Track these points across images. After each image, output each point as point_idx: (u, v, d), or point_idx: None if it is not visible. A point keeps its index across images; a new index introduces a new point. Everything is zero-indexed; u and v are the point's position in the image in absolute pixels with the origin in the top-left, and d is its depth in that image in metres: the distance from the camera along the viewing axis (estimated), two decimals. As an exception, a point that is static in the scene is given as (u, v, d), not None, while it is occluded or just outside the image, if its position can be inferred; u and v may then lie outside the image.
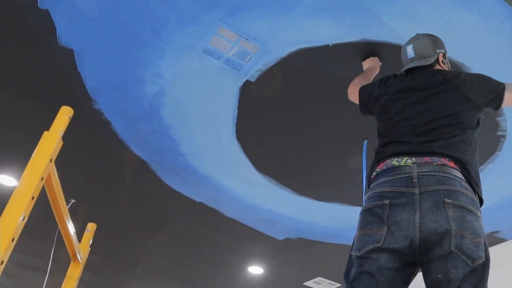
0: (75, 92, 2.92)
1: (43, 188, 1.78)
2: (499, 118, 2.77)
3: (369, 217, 1.69)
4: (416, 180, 1.66)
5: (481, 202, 1.73)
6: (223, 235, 4.37)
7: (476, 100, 1.87)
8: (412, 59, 2.05)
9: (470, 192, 1.67)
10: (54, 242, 3.63)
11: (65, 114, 1.90)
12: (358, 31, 2.41)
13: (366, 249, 1.63)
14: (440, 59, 2.05)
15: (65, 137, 1.88)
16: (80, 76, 2.81)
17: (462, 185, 1.66)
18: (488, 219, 2.75)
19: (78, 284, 2.67)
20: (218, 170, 3.51)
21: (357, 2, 2.26)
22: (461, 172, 1.70)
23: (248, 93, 2.85)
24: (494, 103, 1.92)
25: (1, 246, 1.53)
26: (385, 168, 1.77)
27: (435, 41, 2.08)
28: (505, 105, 1.93)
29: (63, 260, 3.29)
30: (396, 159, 1.76)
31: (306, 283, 5.13)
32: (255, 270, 5.03)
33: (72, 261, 2.65)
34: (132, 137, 3.28)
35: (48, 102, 3.02)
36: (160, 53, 2.63)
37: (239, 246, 4.55)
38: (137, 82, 2.83)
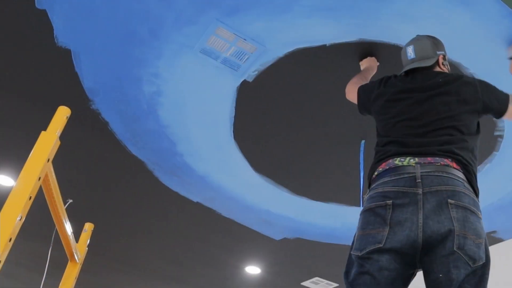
0: (72, 92, 2.92)
1: (40, 188, 1.78)
2: (496, 118, 2.77)
3: (371, 217, 1.68)
4: (420, 180, 1.65)
5: None
6: (221, 235, 4.36)
7: (476, 104, 1.87)
8: (413, 60, 2.05)
9: (472, 193, 1.67)
10: (52, 242, 3.63)
11: (62, 114, 1.89)
12: (355, 31, 2.41)
13: (368, 250, 1.63)
14: (440, 61, 2.05)
15: (62, 137, 1.88)
16: (77, 76, 2.81)
17: (464, 186, 1.67)
18: (485, 219, 2.74)
19: (75, 284, 2.67)
20: (216, 170, 3.51)
21: (354, 2, 2.26)
22: (463, 173, 1.71)
23: (246, 93, 2.85)
24: (494, 111, 1.92)
25: (-1, 246, 1.53)
26: (387, 167, 1.76)
27: (435, 43, 2.08)
28: (507, 117, 1.94)
29: (61, 260, 3.30)
30: (399, 158, 1.75)
31: (304, 283, 5.13)
32: (253, 270, 5.03)
33: (69, 261, 2.65)
34: (129, 137, 3.27)
35: (45, 102, 3.02)
36: (157, 53, 2.63)
37: (237, 246, 4.55)
38: (134, 82, 2.82)
